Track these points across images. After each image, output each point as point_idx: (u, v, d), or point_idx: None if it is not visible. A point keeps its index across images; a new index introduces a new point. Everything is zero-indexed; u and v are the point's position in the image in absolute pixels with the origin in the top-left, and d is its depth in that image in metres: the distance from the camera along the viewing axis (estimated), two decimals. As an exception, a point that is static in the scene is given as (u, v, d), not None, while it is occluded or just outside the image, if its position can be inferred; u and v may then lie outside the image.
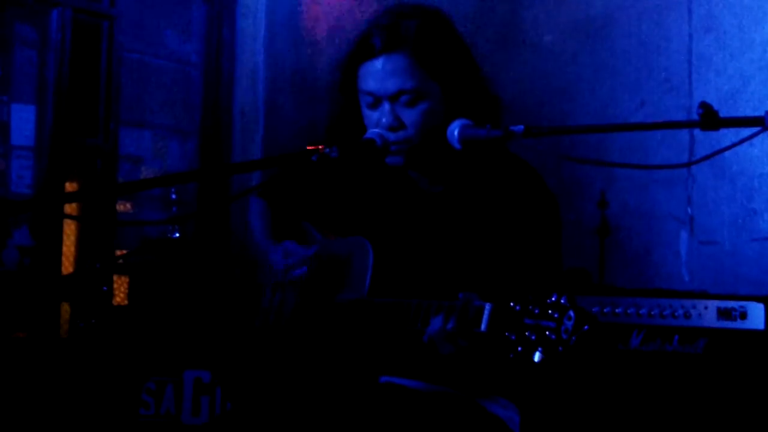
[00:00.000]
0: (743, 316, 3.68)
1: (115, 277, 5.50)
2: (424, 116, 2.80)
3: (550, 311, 2.28)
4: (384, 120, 2.79)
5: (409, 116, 2.80)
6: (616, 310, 3.81)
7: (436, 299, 2.58)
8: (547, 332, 2.27)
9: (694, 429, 3.63)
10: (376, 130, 2.82)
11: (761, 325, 3.66)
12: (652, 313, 3.79)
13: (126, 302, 5.51)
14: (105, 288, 5.19)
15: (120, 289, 5.55)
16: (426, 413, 2.76)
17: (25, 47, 5.64)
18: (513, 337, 2.32)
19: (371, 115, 2.85)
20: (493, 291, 2.50)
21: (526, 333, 2.30)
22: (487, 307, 2.43)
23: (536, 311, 2.30)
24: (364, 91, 2.85)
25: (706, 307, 3.74)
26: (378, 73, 2.81)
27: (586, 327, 2.25)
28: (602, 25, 4.93)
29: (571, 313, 2.26)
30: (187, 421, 4.41)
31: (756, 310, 3.68)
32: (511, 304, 2.35)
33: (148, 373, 4.51)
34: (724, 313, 3.71)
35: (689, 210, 4.61)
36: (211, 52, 6.28)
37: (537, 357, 2.29)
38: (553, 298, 2.30)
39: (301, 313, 3.01)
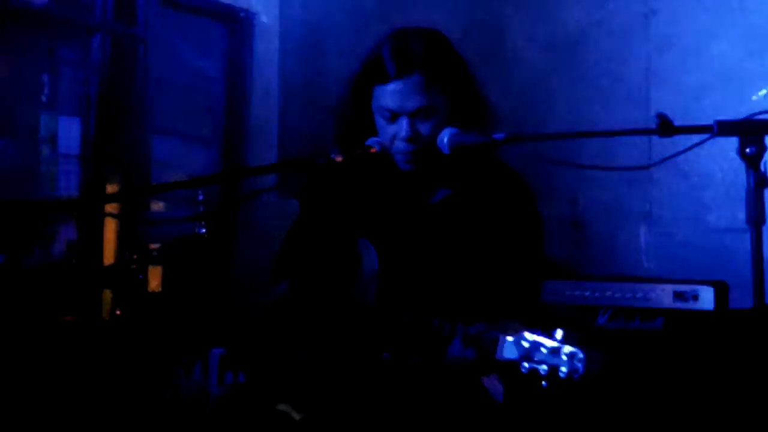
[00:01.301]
0: (695, 298, 3.70)
1: (149, 268, 5.49)
2: (436, 127, 2.78)
3: (564, 352, 2.26)
4: (403, 133, 2.77)
5: (424, 128, 2.78)
6: (586, 293, 3.83)
7: (433, 299, 2.59)
8: (560, 373, 2.25)
9: (652, 394, 3.64)
10: (377, 138, 2.83)
11: (711, 306, 3.68)
12: (617, 295, 3.80)
13: (159, 289, 5.51)
14: (141, 276, 5.18)
15: (154, 277, 5.55)
16: (423, 383, 2.77)
17: (70, 68, 5.64)
18: (526, 367, 2.32)
19: (388, 128, 2.83)
20: (486, 287, 2.50)
21: (540, 369, 2.29)
22: (501, 338, 2.41)
23: (547, 348, 2.28)
24: (382, 108, 2.82)
25: (663, 291, 3.76)
26: (397, 94, 2.78)
27: (596, 368, 2.25)
28: (575, 44, 4.93)
29: (581, 355, 2.25)
30: (213, 391, 4.42)
31: (706, 293, 3.70)
32: (527, 340, 2.34)
33: (179, 351, 4.51)
34: (679, 296, 3.73)
35: (648, 206, 4.62)
36: (231, 70, 6.28)
37: (543, 384, 2.30)
38: (559, 338, 2.28)
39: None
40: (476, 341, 2.50)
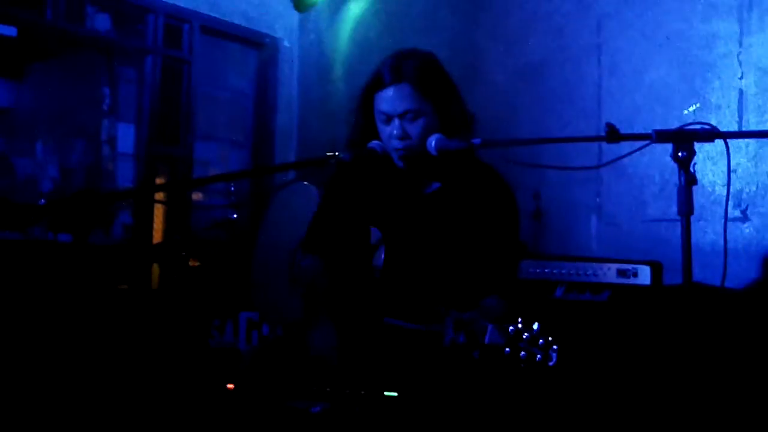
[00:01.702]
0: (635, 275, 3.68)
1: (191, 247, 5.49)
2: (423, 129, 2.80)
3: (540, 341, 2.28)
4: (395, 132, 2.80)
5: (412, 129, 2.80)
6: (546, 270, 3.81)
7: (430, 280, 2.58)
8: (537, 358, 2.27)
9: (599, 352, 3.63)
10: (378, 142, 2.84)
11: (648, 282, 3.66)
12: (571, 272, 3.79)
13: (199, 264, 5.50)
14: (183, 254, 5.18)
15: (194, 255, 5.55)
16: (415, 345, 2.76)
17: (127, 83, 5.64)
18: (507, 351, 2.32)
19: (385, 129, 2.85)
20: (472, 267, 2.49)
21: (520, 353, 2.30)
22: (490, 327, 2.43)
23: (527, 337, 2.30)
24: (379, 111, 2.85)
25: (609, 269, 3.74)
26: (390, 99, 2.82)
27: (567, 354, 2.27)
28: (538, 69, 4.92)
29: (555, 347, 2.27)
30: (242, 347, 4.41)
31: (644, 271, 3.68)
32: (510, 328, 2.34)
33: (214, 314, 4.50)
34: (622, 273, 3.71)
35: (598, 200, 4.60)
36: (260, 87, 6.28)
37: (522, 366, 2.30)
38: (538, 329, 2.29)
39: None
40: (468, 327, 2.50)
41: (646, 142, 2.34)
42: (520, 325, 2.33)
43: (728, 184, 2.41)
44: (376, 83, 2.87)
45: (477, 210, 2.84)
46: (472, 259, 2.65)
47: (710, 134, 2.27)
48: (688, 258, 2.26)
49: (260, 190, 6.01)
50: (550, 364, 2.26)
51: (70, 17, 5.17)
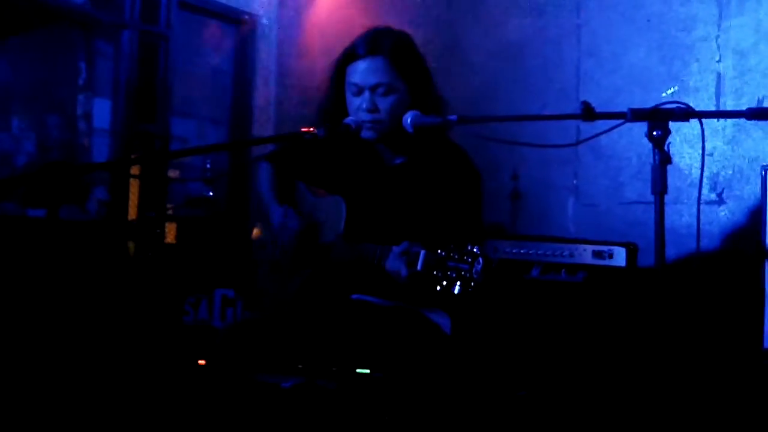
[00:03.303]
0: (611, 256, 3.71)
1: (166, 224, 5.47)
2: (393, 105, 2.84)
3: (466, 257, 2.33)
4: (364, 105, 2.84)
5: (382, 103, 2.84)
6: (522, 251, 3.83)
7: (389, 245, 2.62)
8: (463, 272, 2.33)
9: (574, 332, 3.66)
10: (352, 116, 2.85)
11: (623, 263, 3.69)
12: (547, 253, 3.81)
13: (174, 242, 5.48)
14: (158, 231, 5.16)
15: (170, 232, 5.52)
16: (384, 320, 2.78)
17: (104, 58, 5.59)
18: (439, 275, 2.36)
19: (354, 101, 2.88)
20: (430, 239, 2.53)
21: (449, 272, 2.34)
22: (422, 252, 2.47)
23: (456, 256, 2.35)
24: (351, 83, 2.87)
25: (585, 250, 3.77)
26: (363, 71, 2.85)
27: (491, 268, 2.32)
28: (517, 49, 4.91)
29: (480, 259, 2.34)
30: (216, 324, 4.41)
31: (620, 252, 3.71)
32: (438, 251, 2.38)
33: (188, 291, 4.50)
34: (597, 254, 3.74)
35: (575, 182, 4.62)
36: (238, 63, 6.23)
37: (456, 290, 2.35)
38: (468, 248, 2.34)
39: (296, 252, 3.01)
40: (404, 256, 2.54)
41: (621, 120, 2.34)
42: (452, 249, 2.39)
43: (702, 165, 2.41)
44: (349, 55, 2.90)
45: (439, 186, 2.86)
46: (431, 234, 2.66)
47: (685, 113, 2.27)
48: (661, 237, 2.27)
49: (237, 167, 5.99)
50: (475, 272, 2.32)
51: (45, -10, 5.12)
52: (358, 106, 2.86)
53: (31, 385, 3.88)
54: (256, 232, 3.23)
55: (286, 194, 3.13)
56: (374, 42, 2.85)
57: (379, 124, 2.85)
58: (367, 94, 2.84)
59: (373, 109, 2.83)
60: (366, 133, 2.86)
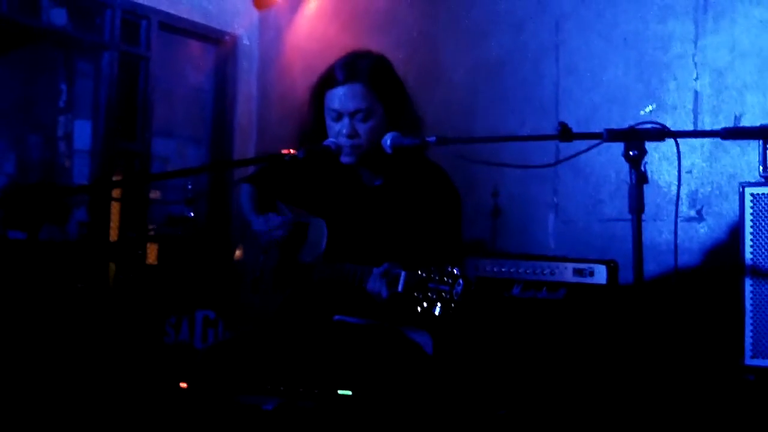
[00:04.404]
0: (591, 274, 3.71)
1: (147, 244, 5.46)
2: (372, 129, 2.85)
3: (446, 278, 2.35)
4: (344, 130, 2.85)
5: (362, 128, 2.86)
6: (503, 269, 3.83)
7: (369, 265, 2.62)
8: (443, 293, 2.34)
9: (555, 350, 3.66)
10: (332, 138, 2.87)
11: (604, 281, 3.69)
12: (528, 271, 3.80)
13: (156, 262, 5.47)
14: (140, 252, 5.15)
15: (151, 252, 5.52)
16: (366, 340, 2.78)
17: (84, 79, 5.59)
18: (420, 296, 2.38)
19: (334, 126, 2.89)
20: (411, 260, 2.54)
21: (429, 294, 2.36)
22: (402, 274, 2.50)
23: (436, 278, 2.37)
24: (330, 109, 2.88)
25: (565, 268, 3.76)
26: (342, 97, 2.85)
27: (470, 289, 2.34)
28: (496, 67, 4.94)
29: (461, 281, 2.36)
30: (197, 345, 4.40)
31: (600, 270, 3.71)
32: (419, 272, 2.40)
33: (169, 312, 4.48)
34: (578, 272, 3.74)
35: (555, 199, 4.64)
36: (218, 83, 6.24)
37: (437, 311, 2.36)
38: (449, 269, 2.35)
39: (278, 271, 3.01)
40: (385, 278, 2.56)
41: (598, 141, 2.36)
42: (432, 271, 2.41)
43: (678, 183, 2.44)
44: (328, 81, 2.91)
45: (419, 206, 2.87)
46: (411, 254, 2.67)
47: (660, 133, 2.30)
48: (639, 255, 2.29)
49: (218, 187, 5.99)
50: (455, 294, 2.34)
51: (25, 10, 5.11)
52: (338, 131, 2.87)
53: (12, 406, 3.85)
54: (238, 253, 3.23)
55: (267, 212, 3.13)
56: (352, 67, 2.87)
57: (359, 149, 2.86)
58: (346, 120, 2.86)
59: (352, 134, 2.85)
60: (345, 159, 2.88)
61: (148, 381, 4.10)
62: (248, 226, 3.10)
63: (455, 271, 2.35)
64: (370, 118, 2.85)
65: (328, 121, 2.91)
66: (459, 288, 2.34)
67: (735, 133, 2.35)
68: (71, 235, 5.18)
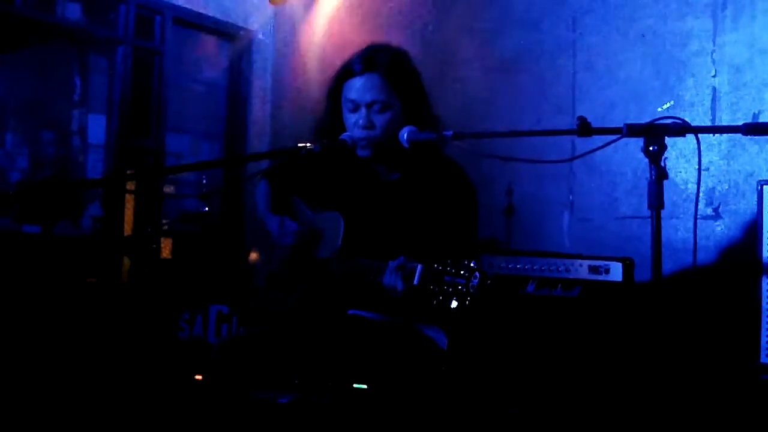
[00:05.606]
0: (607, 271, 3.70)
1: (162, 239, 5.46)
2: (389, 122, 2.85)
3: (462, 272, 2.34)
4: (361, 121, 2.85)
5: (378, 120, 2.85)
6: (517, 266, 3.82)
7: (385, 260, 2.62)
8: (459, 287, 2.33)
9: (569, 347, 3.65)
10: (348, 132, 2.86)
11: (619, 278, 3.68)
12: (543, 268, 3.80)
13: (170, 257, 5.48)
14: (154, 246, 5.15)
15: (165, 247, 5.52)
16: (380, 336, 2.78)
17: (98, 74, 5.60)
18: (436, 289, 2.37)
19: (351, 117, 2.89)
20: (426, 255, 2.53)
21: (445, 287, 2.35)
22: (418, 267, 2.49)
23: (452, 271, 2.36)
24: (347, 99, 2.89)
25: (581, 265, 3.76)
26: (359, 88, 2.86)
27: (487, 283, 2.33)
28: (512, 64, 4.93)
29: (477, 274, 2.35)
30: (211, 340, 4.40)
31: (616, 267, 3.70)
32: (435, 265, 2.40)
33: (183, 307, 4.48)
34: (593, 270, 3.73)
35: (570, 197, 4.62)
36: (232, 79, 6.24)
37: (453, 304, 2.35)
38: (465, 263, 2.35)
39: (293, 266, 3.01)
40: (401, 271, 2.56)
41: (618, 136, 2.35)
42: (448, 264, 2.41)
43: (698, 180, 2.42)
44: (346, 72, 2.92)
45: (435, 201, 2.86)
46: (427, 249, 2.66)
47: (681, 129, 2.27)
48: (658, 252, 2.27)
49: (232, 182, 5.99)
50: (472, 287, 2.34)
51: (41, 6, 5.13)
52: (354, 122, 2.87)
53: (26, 400, 3.86)
54: (253, 256, 3.23)
55: (283, 209, 3.13)
56: (371, 59, 2.87)
57: (374, 141, 2.86)
58: (363, 110, 2.86)
59: (369, 125, 2.85)
60: (361, 152, 2.87)
61: (163, 376, 4.10)
62: (263, 226, 3.11)
63: (472, 265, 2.35)
64: (387, 110, 2.85)
65: (345, 113, 2.92)
66: (475, 281, 2.33)
67: (757, 129, 2.32)
68: (85, 230, 5.20)
